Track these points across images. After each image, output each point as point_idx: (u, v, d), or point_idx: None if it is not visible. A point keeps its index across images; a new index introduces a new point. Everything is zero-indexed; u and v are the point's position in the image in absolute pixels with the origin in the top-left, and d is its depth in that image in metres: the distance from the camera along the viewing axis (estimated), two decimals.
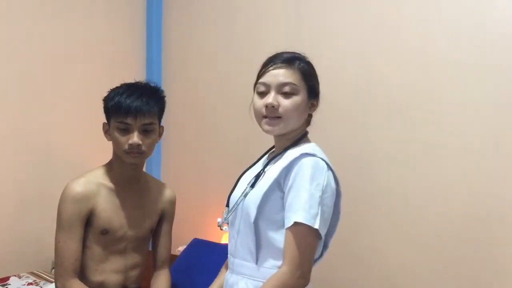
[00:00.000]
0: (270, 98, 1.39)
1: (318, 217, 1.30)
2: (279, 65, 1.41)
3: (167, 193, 1.90)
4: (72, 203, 1.67)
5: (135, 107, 1.65)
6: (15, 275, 2.50)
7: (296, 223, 1.29)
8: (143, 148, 1.68)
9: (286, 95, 1.39)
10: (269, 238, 1.37)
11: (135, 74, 2.81)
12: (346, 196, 2.21)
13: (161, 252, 1.88)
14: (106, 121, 1.75)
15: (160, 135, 1.79)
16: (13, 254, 2.60)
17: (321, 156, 1.38)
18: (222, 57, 2.84)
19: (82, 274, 1.73)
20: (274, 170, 1.39)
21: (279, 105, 1.38)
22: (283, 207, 1.35)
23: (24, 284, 2.41)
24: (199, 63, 2.95)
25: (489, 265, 1.91)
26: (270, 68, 1.41)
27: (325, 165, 1.37)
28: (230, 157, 2.74)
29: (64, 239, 1.67)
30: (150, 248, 1.93)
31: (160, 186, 1.91)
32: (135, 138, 1.66)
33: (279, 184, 1.36)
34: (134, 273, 1.83)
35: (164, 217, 1.89)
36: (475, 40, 1.93)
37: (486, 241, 1.92)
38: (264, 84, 1.41)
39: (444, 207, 2.01)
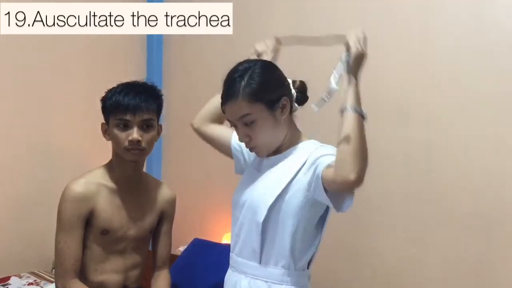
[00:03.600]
0: (240, 134, 1.41)
1: None
2: (227, 101, 1.39)
3: (167, 193, 1.90)
4: (72, 204, 1.67)
5: (133, 103, 1.66)
6: (15, 275, 2.50)
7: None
8: (143, 144, 1.69)
9: (248, 125, 1.37)
10: (276, 239, 1.37)
11: (135, 74, 2.81)
12: None
13: (161, 252, 1.88)
14: (104, 122, 1.76)
15: (159, 133, 1.80)
16: (14, 254, 2.61)
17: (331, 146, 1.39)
18: (222, 57, 2.83)
19: (82, 274, 1.73)
20: (283, 171, 1.38)
21: (250, 137, 1.39)
22: (296, 209, 1.35)
23: (25, 284, 2.41)
24: (199, 62, 2.95)
25: (490, 265, 1.91)
26: (223, 105, 1.42)
27: None
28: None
29: (64, 240, 1.67)
30: (150, 248, 1.93)
31: (160, 186, 1.91)
32: (134, 134, 1.66)
33: (298, 186, 1.35)
34: (134, 273, 1.83)
35: (164, 217, 1.89)
36: (475, 40, 1.93)
37: (487, 241, 1.92)
38: (229, 121, 1.44)
39: (444, 207, 2.01)
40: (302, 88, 1.49)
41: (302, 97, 1.48)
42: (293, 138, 1.44)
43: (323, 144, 1.40)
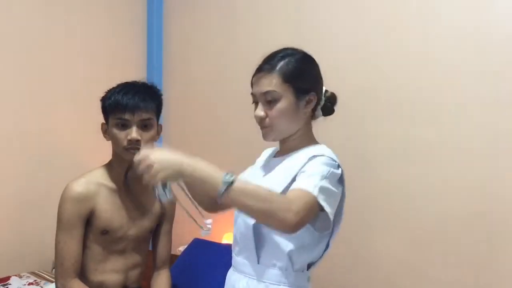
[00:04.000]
0: (258, 109, 1.38)
1: (320, 189, 1.25)
2: (260, 72, 1.38)
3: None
4: (72, 204, 1.67)
5: (132, 103, 1.67)
6: (15, 275, 2.50)
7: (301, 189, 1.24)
8: (142, 143, 1.69)
9: (270, 103, 1.36)
10: (272, 240, 1.36)
11: (135, 74, 2.80)
12: (347, 196, 2.22)
13: (161, 252, 1.89)
14: (104, 122, 1.76)
15: (158, 133, 1.80)
16: (14, 254, 2.61)
17: (331, 156, 1.35)
18: (223, 57, 2.84)
19: (82, 274, 1.73)
20: (278, 174, 1.38)
21: (266, 116, 1.37)
22: None
23: (25, 284, 2.41)
24: (199, 62, 2.95)
25: (489, 264, 1.91)
26: (255, 76, 1.40)
27: (337, 163, 1.34)
28: (231, 157, 2.73)
29: (64, 240, 1.68)
30: (150, 248, 1.93)
31: None
32: (133, 133, 1.66)
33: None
34: (134, 273, 1.83)
35: (164, 217, 1.89)
36: (475, 40, 1.93)
37: (487, 240, 1.92)
38: (253, 94, 1.41)
39: (445, 207, 2.01)
40: (331, 99, 1.47)
41: (329, 108, 1.47)
42: (303, 138, 1.42)
43: (323, 153, 1.35)
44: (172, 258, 1.98)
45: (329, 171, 1.30)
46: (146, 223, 1.82)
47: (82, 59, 2.85)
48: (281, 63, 1.36)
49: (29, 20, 2.63)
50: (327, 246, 1.43)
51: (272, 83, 1.35)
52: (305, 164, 1.32)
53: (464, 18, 1.95)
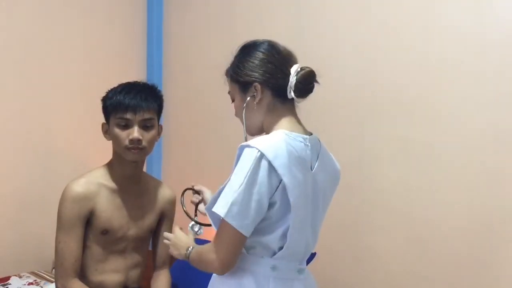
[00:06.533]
0: None
1: (228, 208, 1.24)
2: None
3: (167, 193, 1.90)
4: (72, 203, 1.68)
5: (134, 103, 1.68)
6: (15, 275, 2.50)
7: (213, 213, 1.29)
8: (144, 143, 1.69)
9: (232, 101, 1.46)
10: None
11: (135, 75, 2.81)
12: (347, 196, 2.22)
13: (161, 252, 1.89)
14: (105, 121, 1.76)
15: (159, 133, 1.80)
16: (14, 254, 2.61)
17: (258, 147, 1.26)
18: (222, 58, 2.82)
19: (82, 274, 1.73)
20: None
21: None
22: None
23: (25, 284, 2.41)
24: (199, 63, 2.95)
25: (490, 265, 1.91)
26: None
27: (257, 155, 1.25)
28: (231, 157, 2.72)
29: (64, 239, 1.68)
30: (150, 248, 1.93)
31: (160, 186, 1.92)
32: (135, 133, 1.67)
33: None
34: (134, 273, 1.83)
35: (164, 217, 1.89)
36: (475, 40, 1.92)
37: (487, 241, 1.91)
38: None
39: (445, 207, 2.01)
40: (302, 78, 1.34)
41: (301, 89, 1.35)
42: (268, 129, 1.40)
43: (249, 144, 1.29)
44: (172, 258, 1.98)
45: (245, 177, 1.25)
46: (146, 223, 1.83)
47: (82, 59, 2.85)
48: (233, 62, 1.45)
49: (29, 20, 2.63)
50: (285, 237, 1.33)
51: (228, 83, 1.46)
52: (237, 159, 1.32)
53: (464, 18, 1.95)
